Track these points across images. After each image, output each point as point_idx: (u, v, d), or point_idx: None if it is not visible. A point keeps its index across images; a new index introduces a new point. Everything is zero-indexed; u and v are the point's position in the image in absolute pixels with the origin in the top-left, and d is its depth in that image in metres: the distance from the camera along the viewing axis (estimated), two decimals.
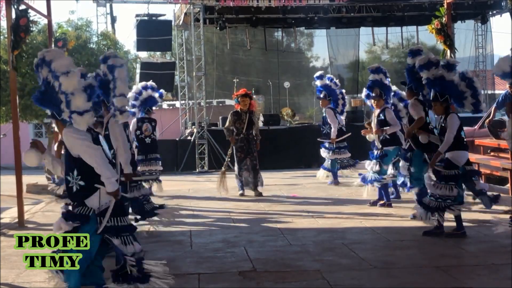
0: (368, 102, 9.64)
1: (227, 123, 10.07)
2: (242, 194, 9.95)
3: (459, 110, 7.73)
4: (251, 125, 9.90)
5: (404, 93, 9.16)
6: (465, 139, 6.62)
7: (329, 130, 10.91)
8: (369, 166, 8.56)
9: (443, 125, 6.50)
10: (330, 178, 11.25)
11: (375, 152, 8.50)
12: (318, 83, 11.27)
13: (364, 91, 9.60)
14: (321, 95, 11.10)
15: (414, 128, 7.18)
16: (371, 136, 8.69)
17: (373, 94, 8.50)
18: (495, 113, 10.65)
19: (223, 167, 10.33)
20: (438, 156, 6.51)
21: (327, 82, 11.25)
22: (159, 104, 22.93)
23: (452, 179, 6.44)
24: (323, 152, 11.18)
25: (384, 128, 8.31)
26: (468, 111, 6.83)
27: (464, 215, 6.78)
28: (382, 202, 8.55)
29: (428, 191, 6.64)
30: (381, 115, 8.35)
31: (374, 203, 8.60)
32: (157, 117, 10.83)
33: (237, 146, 9.86)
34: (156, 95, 10.01)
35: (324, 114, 11.12)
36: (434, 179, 6.57)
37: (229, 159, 10.42)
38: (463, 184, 6.65)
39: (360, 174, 8.91)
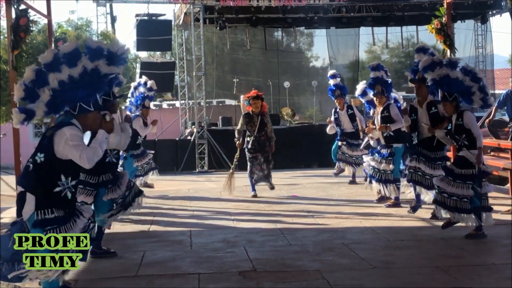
0: (363, 99, 9.63)
1: (239, 125, 9.97)
2: (255, 196, 9.81)
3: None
4: (263, 127, 9.79)
5: (397, 95, 9.24)
6: None
7: (357, 126, 10.83)
8: (373, 162, 8.45)
9: (458, 123, 6.41)
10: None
11: (383, 151, 8.39)
12: (331, 82, 11.14)
13: (358, 89, 9.65)
14: (337, 94, 10.89)
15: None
16: (375, 133, 8.66)
17: (375, 91, 8.48)
18: (495, 113, 10.67)
19: (231, 169, 10.21)
20: (481, 152, 6.40)
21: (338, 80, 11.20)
22: (159, 103, 23.05)
23: (470, 178, 6.35)
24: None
25: (388, 124, 8.26)
26: (477, 107, 6.78)
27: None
28: (391, 202, 8.47)
29: (437, 185, 6.55)
30: (385, 111, 8.28)
31: (381, 199, 8.59)
32: (157, 117, 10.83)
33: (249, 148, 9.78)
34: (142, 89, 10.05)
35: (350, 112, 10.84)
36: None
37: (237, 162, 10.25)
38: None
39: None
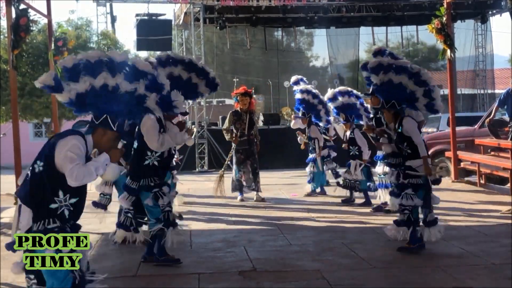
0: (332, 105, 9.36)
1: (226, 124, 9.54)
2: (242, 200, 9.49)
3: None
4: (252, 125, 9.44)
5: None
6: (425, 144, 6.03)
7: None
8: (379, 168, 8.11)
9: (399, 131, 6.01)
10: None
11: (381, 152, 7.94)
12: (296, 88, 10.36)
13: (330, 93, 9.21)
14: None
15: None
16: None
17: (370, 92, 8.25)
18: (495, 112, 10.64)
19: (221, 170, 9.93)
20: (427, 161, 5.93)
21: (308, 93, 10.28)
22: None
23: (412, 188, 5.93)
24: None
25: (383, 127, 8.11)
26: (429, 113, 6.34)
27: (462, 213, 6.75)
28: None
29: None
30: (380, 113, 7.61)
31: (377, 209, 8.26)
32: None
33: (238, 148, 9.39)
34: None
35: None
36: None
37: (229, 162, 9.96)
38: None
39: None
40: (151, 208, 5.57)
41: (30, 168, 3.68)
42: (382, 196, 8.21)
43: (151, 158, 5.56)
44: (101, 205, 6.76)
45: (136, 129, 5.67)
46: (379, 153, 8.10)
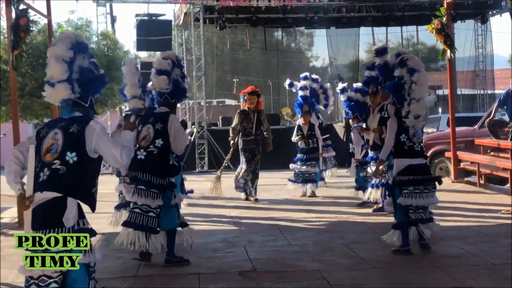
0: (342, 98, 9.49)
1: (234, 123, 9.60)
2: (247, 199, 9.50)
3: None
4: (259, 125, 9.48)
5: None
6: (408, 145, 5.80)
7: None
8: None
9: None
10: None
11: (375, 153, 7.84)
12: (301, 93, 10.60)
13: (340, 86, 9.80)
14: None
15: None
16: (370, 135, 8.41)
17: (370, 91, 8.23)
18: (495, 113, 10.65)
19: (219, 172, 9.95)
20: (381, 164, 6.06)
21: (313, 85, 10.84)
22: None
23: (387, 188, 6.03)
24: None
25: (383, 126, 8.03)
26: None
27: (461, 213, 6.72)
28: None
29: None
30: (383, 112, 7.35)
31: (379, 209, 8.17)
32: None
33: (245, 147, 9.39)
34: None
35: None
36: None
37: (226, 164, 9.98)
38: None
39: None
40: (173, 207, 5.62)
41: (58, 162, 3.59)
42: (372, 196, 8.20)
43: (171, 158, 5.59)
44: (123, 205, 6.72)
45: (159, 127, 5.55)
46: (372, 154, 8.09)
